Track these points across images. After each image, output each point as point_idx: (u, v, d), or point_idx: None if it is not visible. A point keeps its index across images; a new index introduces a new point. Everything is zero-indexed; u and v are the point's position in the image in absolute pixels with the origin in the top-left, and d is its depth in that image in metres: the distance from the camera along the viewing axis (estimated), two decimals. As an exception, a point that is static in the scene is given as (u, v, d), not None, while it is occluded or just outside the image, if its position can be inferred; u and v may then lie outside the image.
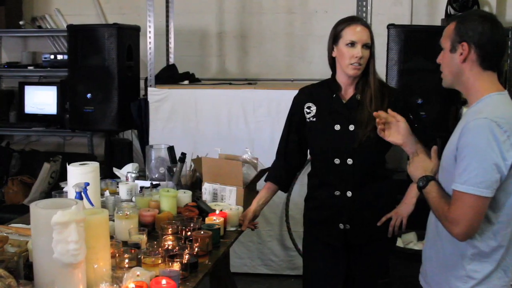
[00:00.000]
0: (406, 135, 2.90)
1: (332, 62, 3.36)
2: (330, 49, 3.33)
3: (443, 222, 2.47)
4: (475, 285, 2.50)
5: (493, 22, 2.49)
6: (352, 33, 3.23)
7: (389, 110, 2.97)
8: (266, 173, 3.67)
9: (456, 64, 2.53)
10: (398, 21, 5.45)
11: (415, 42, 5.09)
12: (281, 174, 3.57)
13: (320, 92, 3.42)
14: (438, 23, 6.05)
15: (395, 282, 4.71)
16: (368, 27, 3.30)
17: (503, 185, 2.39)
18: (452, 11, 5.88)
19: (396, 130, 2.94)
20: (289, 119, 3.51)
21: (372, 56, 3.28)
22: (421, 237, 4.62)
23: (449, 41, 2.54)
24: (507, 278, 2.56)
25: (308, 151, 3.52)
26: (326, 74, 3.46)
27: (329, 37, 3.34)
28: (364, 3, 5.04)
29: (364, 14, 5.01)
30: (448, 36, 2.55)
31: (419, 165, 2.69)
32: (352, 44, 3.22)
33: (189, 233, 3.08)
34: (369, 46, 3.26)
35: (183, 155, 4.05)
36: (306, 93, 3.45)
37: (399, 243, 4.78)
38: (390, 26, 5.17)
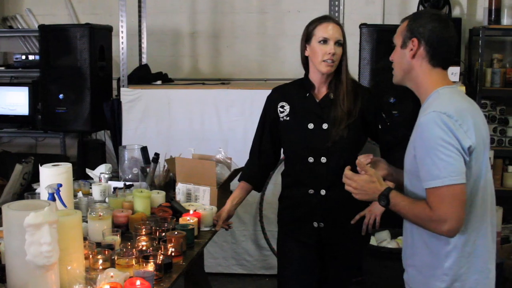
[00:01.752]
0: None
1: (305, 62, 3.38)
2: (303, 49, 3.35)
3: (427, 225, 2.43)
4: (453, 282, 2.49)
5: (443, 21, 2.55)
6: (324, 30, 3.25)
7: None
8: (240, 173, 3.68)
9: (406, 60, 2.57)
10: (370, 21, 5.49)
11: (387, 42, 5.05)
12: (255, 173, 3.58)
13: (293, 91, 3.43)
14: (410, 22, 6.09)
15: (368, 280, 4.73)
16: (339, 25, 3.33)
17: (468, 174, 2.40)
18: (424, 11, 5.93)
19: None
20: (263, 118, 3.51)
21: (344, 54, 3.31)
22: (394, 235, 4.65)
23: (401, 38, 2.60)
24: (486, 271, 2.56)
25: (282, 150, 3.53)
26: (299, 73, 3.47)
27: (301, 37, 3.36)
28: (337, 2, 5.06)
29: (336, 14, 5.03)
30: (401, 33, 2.61)
31: (365, 188, 2.62)
32: (325, 41, 3.24)
33: (163, 233, 3.08)
34: (342, 44, 3.28)
35: (156, 155, 4.04)
36: (280, 93, 3.46)
37: (373, 241, 4.81)
38: (362, 26, 5.19)
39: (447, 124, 2.34)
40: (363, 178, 2.64)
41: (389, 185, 2.63)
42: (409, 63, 2.56)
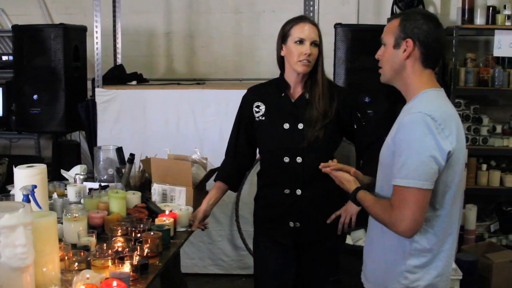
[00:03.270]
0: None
1: (281, 61, 3.38)
2: (279, 48, 3.35)
3: (387, 222, 2.48)
4: (415, 280, 2.53)
5: (436, 22, 2.55)
6: (300, 30, 3.26)
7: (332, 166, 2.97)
8: (216, 173, 3.67)
9: (399, 60, 2.56)
10: (345, 21, 5.51)
11: (362, 41, 5.13)
12: (231, 173, 3.57)
13: (269, 91, 3.43)
14: (384, 22, 6.09)
15: (344, 280, 4.75)
16: (316, 25, 3.33)
17: (442, 177, 2.43)
18: (398, 11, 5.97)
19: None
20: (238, 118, 3.51)
21: (320, 54, 3.31)
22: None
23: (392, 37, 2.57)
24: (447, 272, 2.59)
25: (258, 150, 3.53)
26: (274, 73, 3.48)
27: (277, 37, 3.36)
28: (312, 2, 5.07)
29: (311, 14, 5.04)
30: (392, 32, 2.57)
31: (342, 183, 2.86)
32: (301, 41, 3.24)
33: (139, 234, 3.07)
34: (318, 44, 3.29)
35: (132, 156, 4.03)
36: (255, 92, 3.47)
37: (349, 240, 4.83)
38: (337, 26, 5.21)
39: (430, 127, 2.37)
40: (342, 175, 2.86)
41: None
42: (402, 63, 2.55)
